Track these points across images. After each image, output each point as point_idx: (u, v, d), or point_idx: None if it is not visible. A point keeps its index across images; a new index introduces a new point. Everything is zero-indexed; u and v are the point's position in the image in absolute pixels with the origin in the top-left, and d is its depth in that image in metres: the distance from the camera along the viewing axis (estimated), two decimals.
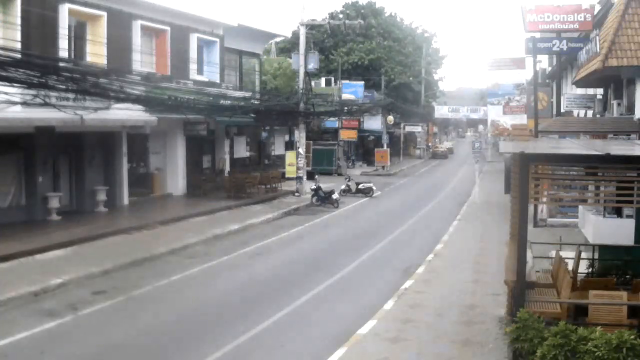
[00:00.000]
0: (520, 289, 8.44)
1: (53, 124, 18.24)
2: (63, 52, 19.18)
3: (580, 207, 18.03)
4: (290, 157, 30.06)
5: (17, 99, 13.82)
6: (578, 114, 24.83)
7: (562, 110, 24.42)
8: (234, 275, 14.84)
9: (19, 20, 17.79)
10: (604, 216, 16.48)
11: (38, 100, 13.91)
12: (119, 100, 16.36)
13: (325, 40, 56.64)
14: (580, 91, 24.78)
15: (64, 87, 14.18)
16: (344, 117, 41.85)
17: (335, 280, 14.32)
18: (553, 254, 11.88)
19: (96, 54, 20.48)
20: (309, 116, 29.72)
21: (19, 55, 13.65)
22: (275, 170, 32.26)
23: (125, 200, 23.47)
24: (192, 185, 27.30)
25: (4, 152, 19.01)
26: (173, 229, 19.86)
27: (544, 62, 36.66)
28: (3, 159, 19.19)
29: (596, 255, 11.40)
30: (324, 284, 13.87)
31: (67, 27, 19.83)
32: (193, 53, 26.50)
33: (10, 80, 12.94)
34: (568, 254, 11.27)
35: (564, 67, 26.97)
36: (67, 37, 19.71)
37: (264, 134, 36.04)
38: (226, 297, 12.82)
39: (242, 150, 33.25)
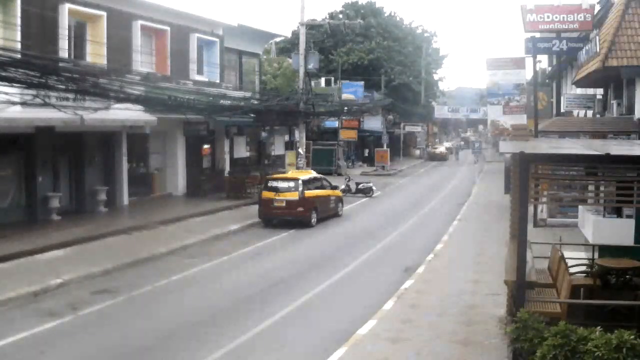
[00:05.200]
0: (520, 289, 8.44)
1: (53, 124, 18.24)
2: (63, 52, 19.18)
3: (580, 207, 18.01)
4: (290, 157, 30.05)
5: (17, 99, 13.82)
6: (578, 114, 24.81)
7: (562, 110, 24.42)
8: (233, 275, 14.84)
9: (18, 20, 17.78)
10: (604, 216, 16.46)
11: (38, 100, 13.90)
12: (119, 100, 16.35)
13: (325, 40, 56.61)
14: (580, 91, 24.76)
15: (63, 87, 14.17)
16: (344, 117, 41.86)
17: (334, 280, 14.32)
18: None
19: (96, 54, 20.49)
20: (309, 116, 29.70)
21: (18, 55, 13.65)
22: (275, 170, 32.23)
23: (125, 200, 23.47)
24: (192, 185, 27.29)
25: (4, 152, 18.99)
26: (173, 229, 19.87)
27: (544, 62, 36.70)
28: (3, 159, 19.18)
29: (596, 255, 11.38)
30: (324, 284, 13.88)
31: (67, 27, 19.82)
32: (193, 53, 26.50)
33: (10, 80, 12.94)
34: (567, 254, 11.25)
35: (563, 67, 26.97)
36: (67, 37, 19.71)
37: (263, 134, 36.00)
38: (226, 297, 12.82)
39: (242, 150, 33.23)
